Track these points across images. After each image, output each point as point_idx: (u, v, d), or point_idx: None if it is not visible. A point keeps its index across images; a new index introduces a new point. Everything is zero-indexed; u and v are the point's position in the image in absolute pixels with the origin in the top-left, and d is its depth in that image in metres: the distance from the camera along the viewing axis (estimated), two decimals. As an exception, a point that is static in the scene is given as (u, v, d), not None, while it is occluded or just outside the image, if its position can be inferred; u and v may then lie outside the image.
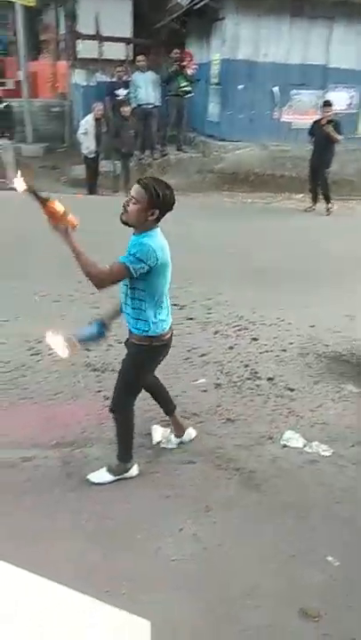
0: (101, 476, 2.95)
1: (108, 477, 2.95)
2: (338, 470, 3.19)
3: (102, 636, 0.89)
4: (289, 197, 10.40)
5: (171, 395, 3.29)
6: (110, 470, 2.97)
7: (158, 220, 2.62)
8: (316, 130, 8.86)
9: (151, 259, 2.53)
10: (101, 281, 2.55)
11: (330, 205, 9.18)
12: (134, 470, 3.00)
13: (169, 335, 2.83)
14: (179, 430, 3.29)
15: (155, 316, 2.71)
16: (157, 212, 2.56)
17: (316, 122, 8.97)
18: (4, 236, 6.75)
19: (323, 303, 5.42)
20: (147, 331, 2.72)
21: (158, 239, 2.62)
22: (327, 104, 8.86)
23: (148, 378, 2.99)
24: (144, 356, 2.81)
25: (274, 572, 2.49)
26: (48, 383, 3.87)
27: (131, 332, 2.78)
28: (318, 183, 9.11)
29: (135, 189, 2.52)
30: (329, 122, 8.66)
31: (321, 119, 8.78)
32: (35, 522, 2.66)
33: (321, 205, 9.25)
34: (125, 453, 2.97)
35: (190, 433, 3.34)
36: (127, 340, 2.88)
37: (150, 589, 2.32)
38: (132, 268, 2.50)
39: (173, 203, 2.59)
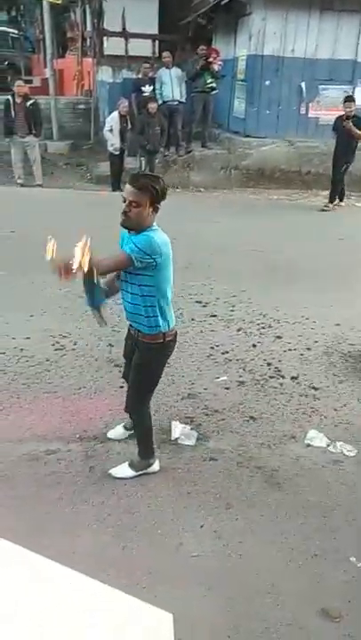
0: (123, 470, 2.97)
1: (130, 472, 2.96)
2: (362, 470, 3.15)
3: (125, 627, 0.89)
4: (316, 194, 10.29)
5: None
6: (132, 465, 2.98)
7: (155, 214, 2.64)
8: (338, 126, 8.77)
9: (157, 253, 2.54)
10: (106, 267, 2.64)
11: (341, 202, 9.20)
12: (156, 466, 3.01)
13: (175, 330, 2.86)
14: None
15: (165, 311, 2.73)
16: (158, 206, 2.60)
17: (338, 118, 8.87)
18: (32, 231, 6.83)
19: (349, 302, 5.35)
20: (159, 327, 2.72)
21: (160, 234, 2.63)
22: (349, 99, 8.75)
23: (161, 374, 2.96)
24: (159, 354, 2.81)
25: (295, 571, 2.47)
26: (71, 378, 3.91)
27: (143, 333, 2.76)
28: (332, 177, 9.09)
29: (133, 193, 2.50)
30: (348, 117, 8.55)
31: (343, 115, 8.67)
32: (57, 514, 2.70)
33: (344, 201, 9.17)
34: (146, 450, 2.98)
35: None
36: (136, 342, 2.85)
37: (170, 584, 2.33)
38: (134, 258, 2.53)
39: (167, 191, 2.62)
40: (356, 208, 9.80)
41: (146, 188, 2.50)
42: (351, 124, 8.49)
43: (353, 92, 10.44)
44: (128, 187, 2.52)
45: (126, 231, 2.65)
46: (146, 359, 2.82)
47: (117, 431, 3.29)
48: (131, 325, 2.85)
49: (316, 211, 9.21)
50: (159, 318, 2.71)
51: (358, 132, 8.52)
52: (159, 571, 2.41)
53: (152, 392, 2.94)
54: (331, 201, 9.24)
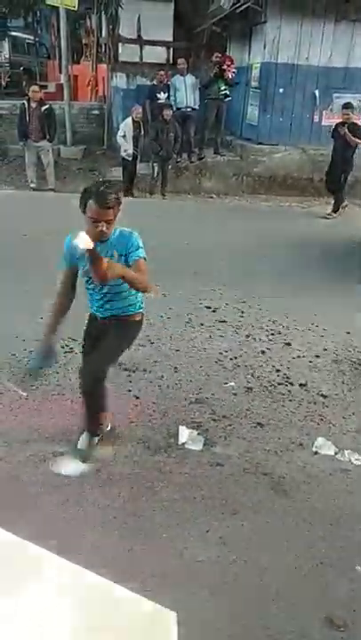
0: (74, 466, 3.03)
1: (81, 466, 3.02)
2: (369, 479, 3.13)
3: (129, 624, 0.90)
4: (328, 202, 10.26)
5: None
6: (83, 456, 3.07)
7: None
8: (336, 132, 8.80)
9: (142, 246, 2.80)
10: (146, 282, 2.77)
11: (340, 210, 9.20)
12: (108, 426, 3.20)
13: None
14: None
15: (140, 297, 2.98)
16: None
17: (337, 125, 8.90)
18: (44, 234, 6.87)
19: (358, 309, 5.33)
20: (140, 306, 3.02)
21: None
22: (347, 106, 8.78)
23: None
24: (136, 330, 3.09)
25: (301, 579, 2.45)
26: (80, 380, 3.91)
27: (128, 315, 2.99)
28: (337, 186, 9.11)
29: (106, 213, 2.58)
30: (343, 124, 8.58)
31: (340, 122, 8.71)
32: (64, 515, 2.70)
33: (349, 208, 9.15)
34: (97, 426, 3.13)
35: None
36: (111, 321, 3.01)
37: (175, 588, 2.32)
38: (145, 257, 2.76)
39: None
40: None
41: (113, 202, 2.59)
42: (348, 130, 8.50)
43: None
44: (98, 208, 2.55)
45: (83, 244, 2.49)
46: (131, 333, 3.07)
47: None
48: (108, 317, 3.01)
49: (322, 218, 9.19)
50: (137, 298, 2.98)
51: (354, 138, 8.55)
52: (164, 574, 2.41)
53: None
54: (335, 210, 9.24)
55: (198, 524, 2.72)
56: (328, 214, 9.23)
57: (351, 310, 5.30)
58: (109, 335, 2.99)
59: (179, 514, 2.78)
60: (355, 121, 8.76)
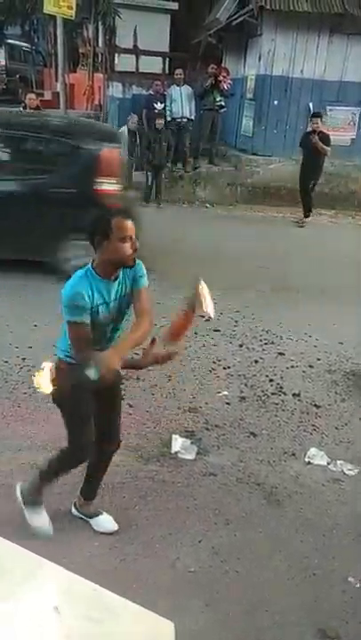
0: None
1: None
2: (362, 490, 3.14)
3: (128, 633, 0.90)
4: (319, 213, 10.35)
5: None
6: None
7: None
8: (305, 142, 8.93)
9: None
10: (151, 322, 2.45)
11: (308, 219, 9.40)
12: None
13: None
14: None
15: None
16: None
17: (306, 134, 9.05)
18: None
19: (353, 320, 5.36)
20: None
21: None
22: (316, 115, 8.95)
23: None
24: None
25: (293, 590, 2.45)
26: (73, 388, 3.90)
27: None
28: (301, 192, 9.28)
29: (133, 226, 2.23)
30: (315, 132, 8.71)
31: (311, 131, 8.84)
32: (55, 525, 2.68)
33: (345, 219, 9.23)
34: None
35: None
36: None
37: (167, 598, 2.30)
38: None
39: None
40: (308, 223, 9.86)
41: (133, 217, 2.30)
42: (318, 139, 8.62)
43: (360, 115, 10.61)
44: (130, 223, 2.22)
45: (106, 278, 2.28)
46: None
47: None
48: None
49: (296, 225, 9.30)
50: None
51: (324, 147, 8.68)
52: (156, 584, 2.40)
53: None
54: (306, 216, 9.41)
55: (191, 534, 2.71)
56: (300, 220, 9.38)
57: (344, 321, 5.33)
58: (117, 384, 2.61)
59: (171, 523, 2.77)
60: (323, 130, 8.92)
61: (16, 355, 4.27)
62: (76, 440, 2.53)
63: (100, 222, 2.21)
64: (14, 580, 0.95)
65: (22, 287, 5.52)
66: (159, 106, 9.87)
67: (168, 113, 9.92)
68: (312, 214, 9.54)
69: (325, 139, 8.77)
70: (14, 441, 3.29)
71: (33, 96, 9.55)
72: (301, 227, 9.28)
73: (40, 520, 2.64)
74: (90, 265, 2.27)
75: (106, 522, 2.71)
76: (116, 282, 2.31)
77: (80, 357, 2.25)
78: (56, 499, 2.85)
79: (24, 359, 4.23)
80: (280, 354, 4.68)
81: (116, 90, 11.75)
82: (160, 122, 9.21)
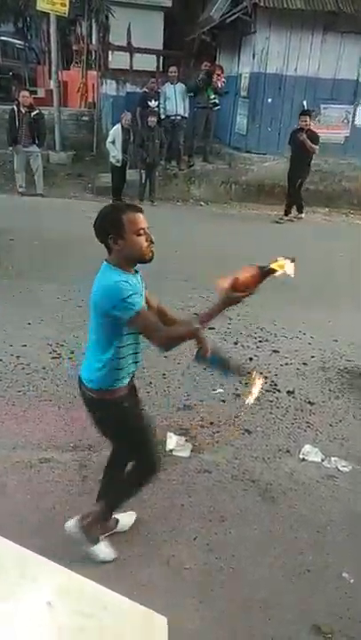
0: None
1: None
2: (356, 486, 3.15)
3: (121, 627, 0.90)
4: (314, 211, 10.38)
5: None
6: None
7: None
8: (293, 139, 8.97)
9: None
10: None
11: (301, 215, 9.44)
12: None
13: None
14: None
15: None
16: None
17: (294, 132, 9.08)
18: (32, 239, 6.86)
19: (346, 317, 5.38)
20: None
21: None
22: (304, 113, 8.97)
23: None
24: None
25: (288, 586, 2.46)
26: (67, 386, 3.90)
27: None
28: (289, 190, 9.32)
29: (144, 219, 2.18)
30: (301, 130, 8.74)
31: (299, 129, 8.86)
32: (50, 523, 2.67)
33: (339, 217, 9.24)
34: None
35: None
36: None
37: (162, 596, 2.31)
38: None
39: None
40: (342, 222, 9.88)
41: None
42: (306, 137, 8.65)
43: (354, 112, 10.63)
44: (141, 215, 2.17)
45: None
46: None
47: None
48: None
49: (321, 226, 9.28)
50: None
51: (313, 145, 8.72)
52: (151, 582, 2.40)
53: None
54: (285, 214, 9.46)
55: (186, 532, 2.71)
56: (280, 219, 9.39)
57: (339, 318, 5.35)
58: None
59: (166, 521, 2.77)
60: (312, 128, 8.96)
61: (10, 353, 4.26)
62: (150, 452, 2.43)
63: (110, 220, 2.13)
64: (7, 576, 0.95)
65: (14, 286, 5.51)
66: (153, 103, 9.85)
67: (162, 111, 9.90)
68: (305, 212, 9.57)
69: (314, 137, 8.82)
70: (9, 439, 3.28)
71: (26, 93, 9.53)
72: (280, 223, 9.26)
73: (105, 551, 2.50)
74: (107, 264, 2.18)
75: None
76: (138, 274, 2.27)
77: (167, 341, 2.10)
78: (48, 499, 2.85)
79: (18, 357, 4.22)
80: (274, 351, 4.68)
81: (109, 87, 11.73)
82: (152, 119, 9.20)
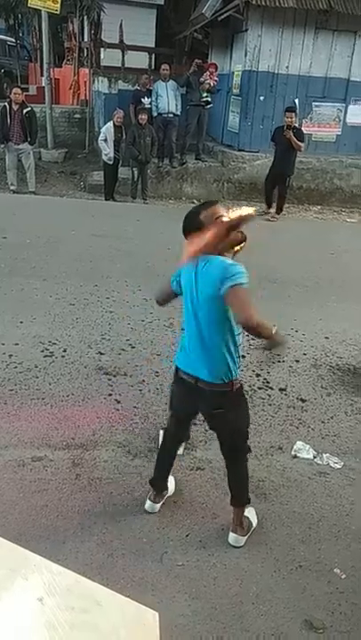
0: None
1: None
2: (348, 483, 3.17)
3: (113, 623, 0.90)
4: (307, 209, 10.42)
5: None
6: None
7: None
8: (278, 136, 8.96)
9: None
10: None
11: (283, 213, 9.42)
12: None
13: (181, 372, 2.56)
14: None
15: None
16: None
17: (278, 128, 9.09)
18: (24, 237, 6.84)
19: (338, 315, 5.41)
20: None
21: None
22: (290, 110, 8.96)
23: (174, 413, 2.77)
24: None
25: (280, 582, 2.47)
26: (60, 385, 3.90)
27: None
28: (278, 189, 9.26)
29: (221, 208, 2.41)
30: (289, 127, 8.75)
31: (283, 126, 8.87)
32: (44, 521, 2.68)
33: (330, 215, 9.26)
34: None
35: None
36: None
37: (154, 592, 2.32)
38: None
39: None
40: (344, 222, 9.93)
41: None
42: (292, 134, 8.68)
43: (345, 111, 10.65)
44: (218, 205, 2.43)
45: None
46: None
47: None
48: None
49: (312, 224, 9.30)
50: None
51: (298, 142, 8.74)
52: (144, 579, 2.41)
53: (169, 425, 2.85)
54: (280, 209, 9.41)
55: (178, 528, 2.72)
56: (272, 217, 9.34)
57: (330, 315, 5.38)
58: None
59: (159, 518, 2.78)
60: (296, 125, 9.01)
61: (2, 351, 4.25)
62: (246, 438, 2.64)
63: (201, 211, 2.38)
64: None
65: (7, 284, 5.49)
66: (146, 101, 9.84)
67: (154, 109, 9.89)
68: (272, 218, 9.42)
69: (299, 134, 8.84)
70: (1, 438, 3.28)
71: (18, 91, 9.48)
72: (272, 221, 9.18)
73: (254, 515, 2.78)
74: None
75: None
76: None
77: (253, 318, 2.27)
78: (40, 497, 2.85)
79: (10, 356, 4.21)
80: (266, 349, 4.69)
81: (102, 85, 11.70)
82: (143, 117, 9.18)
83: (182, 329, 2.57)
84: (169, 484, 2.90)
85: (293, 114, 8.86)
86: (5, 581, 0.92)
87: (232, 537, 2.66)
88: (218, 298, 2.26)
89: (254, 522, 2.76)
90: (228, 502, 2.91)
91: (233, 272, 2.24)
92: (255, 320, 2.26)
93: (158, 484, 2.84)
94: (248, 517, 2.73)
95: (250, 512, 2.78)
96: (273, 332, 2.37)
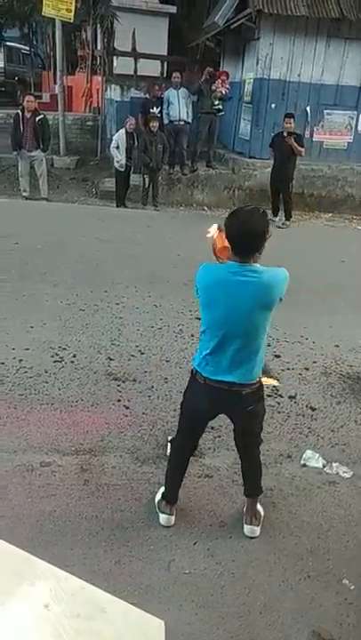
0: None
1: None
2: (357, 492, 3.14)
3: (118, 631, 0.90)
4: (318, 216, 10.39)
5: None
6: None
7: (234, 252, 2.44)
8: (277, 142, 8.97)
9: (196, 284, 2.49)
10: None
11: (292, 220, 9.41)
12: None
13: (210, 381, 2.49)
14: None
15: (200, 348, 2.55)
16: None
17: (277, 134, 9.10)
18: (36, 243, 6.88)
19: (348, 323, 5.37)
20: (193, 360, 2.62)
21: (211, 269, 2.50)
22: (289, 116, 8.97)
23: (193, 415, 2.73)
24: (188, 384, 2.69)
25: (288, 592, 2.45)
26: (69, 390, 3.91)
27: None
28: (281, 196, 9.27)
29: None
30: (290, 134, 8.76)
31: (283, 132, 8.88)
32: (52, 526, 2.68)
33: (341, 222, 9.23)
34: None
35: None
36: None
37: (161, 600, 2.31)
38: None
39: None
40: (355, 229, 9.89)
41: None
42: (293, 139, 8.69)
43: (358, 118, 10.64)
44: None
45: None
46: None
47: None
48: None
49: (278, 227, 9.26)
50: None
51: (299, 148, 8.76)
52: (151, 587, 2.40)
53: (181, 431, 2.85)
54: (289, 216, 9.42)
55: (186, 536, 2.71)
56: (283, 224, 9.32)
57: (340, 323, 5.35)
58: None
59: (167, 525, 2.77)
60: (296, 131, 9.01)
61: (12, 356, 4.27)
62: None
63: (267, 223, 2.41)
64: (4, 578, 0.95)
65: (18, 289, 5.52)
66: (155, 110, 9.89)
67: (166, 116, 9.94)
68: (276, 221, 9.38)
69: (300, 139, 8.88)
70: (10, 443, 3.29)
71: (31, 98, 9.58)
72: (283, 228, 9.14)
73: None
74: (248, 264, 2.39)
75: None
76: None
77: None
78: (48, 502, 2.86)
79: (20, 360, 4.23)
80: (276, 356, 4.68)
81: (114, 92, 11.77)
82: (154, 124, 9.23)
83: (204, 336, 2.50)
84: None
85: (292, 119, 8.88)
86: (12, 587, 0.93)
87: (248, 528, 2.74)
88: (268, 309, 2.40)
89: (262, 511, 2.84)
90: (236, 510, 2.90)
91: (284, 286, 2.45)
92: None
93: (172, 498, 2.82)
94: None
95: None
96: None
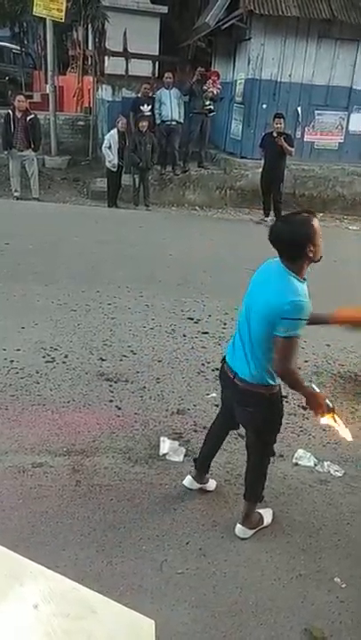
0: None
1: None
2: (349, 491, 3.16)
3: (108, 631, 0.90)
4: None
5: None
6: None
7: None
8: (267, 142, 9.00)
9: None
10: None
11: (267, 218, 9.35)
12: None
13: (225, 365, 2.67)
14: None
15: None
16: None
17: (266, 134, 9.13)
18: (27, 243, 6.86)
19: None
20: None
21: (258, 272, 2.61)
22: (278, 116, 9.01)
23: (222, 398, 2.89)
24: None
25: (280, 590, 2.46)
26: (61, 390, 3.90)
27: None
28: (272, 196, 9.27)
29: None
30: (280, 134, 8.80)
31: (272, 132, 8.92)
32: (43, 527, 2.67)
33: (333, 222, 9.25)
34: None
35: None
36: None
37: (154, 600, 2.31)
38: None
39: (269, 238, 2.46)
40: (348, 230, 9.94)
41: None
42: (283, 139, 8.74)
43: (348, 119, 10.69)
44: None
45: None
46: None
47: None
48: None
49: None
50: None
51: (289, 148, 8.80)
52: (143, 587, 2.40)
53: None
54: (279, 215, 9.35)
55: (178, 536, 2.71)
56: (261, 220, 9.34)
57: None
58: None
59: (159, 525, 2.77)
60: (286, 131, 9.05)
61: (3, 357, 4.25)
62: (272, 443, 2.75)
63: (311, 227, 2.30)
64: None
65: (8, 290, 5.50)
66: (146, 108, 9.88)
67: (157, 116, 9.93)
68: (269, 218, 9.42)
69: (289, 139, 8.92)
70: (1, 443, 3.28)
71: (22, 98, 9.54)
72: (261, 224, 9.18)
73: (268, 516, 2.86)
74: (284, 268, 2.35)
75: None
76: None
77: (289, 376, 2.42)
78: (40, 503, 2.85)
79: (12, 361, 4.21)
80: (268, 356, 4.69)
81: (105, 92, 11.76)
82: (143, 124, 9.23)
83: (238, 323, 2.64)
84: (208, 486, 3.02)
85: (282, 119, 8.91)
86: (1, 588, 0.92)
87: (238, 528, 2.75)
88: (270, 324, 2.31)
89: (266, 521, 2.82)
90: (228, 510, 2.91)
91: (294, 312, 2.25)
92: (291, 376, 2.43)
93: (200, 464, 2.97)
94: (261, 514, 2.81)
95: (266, 511, 2.85)
96: (308, 390, 2.54)
